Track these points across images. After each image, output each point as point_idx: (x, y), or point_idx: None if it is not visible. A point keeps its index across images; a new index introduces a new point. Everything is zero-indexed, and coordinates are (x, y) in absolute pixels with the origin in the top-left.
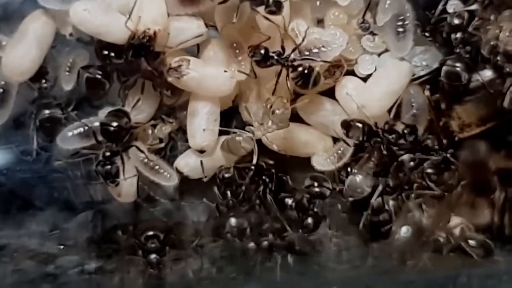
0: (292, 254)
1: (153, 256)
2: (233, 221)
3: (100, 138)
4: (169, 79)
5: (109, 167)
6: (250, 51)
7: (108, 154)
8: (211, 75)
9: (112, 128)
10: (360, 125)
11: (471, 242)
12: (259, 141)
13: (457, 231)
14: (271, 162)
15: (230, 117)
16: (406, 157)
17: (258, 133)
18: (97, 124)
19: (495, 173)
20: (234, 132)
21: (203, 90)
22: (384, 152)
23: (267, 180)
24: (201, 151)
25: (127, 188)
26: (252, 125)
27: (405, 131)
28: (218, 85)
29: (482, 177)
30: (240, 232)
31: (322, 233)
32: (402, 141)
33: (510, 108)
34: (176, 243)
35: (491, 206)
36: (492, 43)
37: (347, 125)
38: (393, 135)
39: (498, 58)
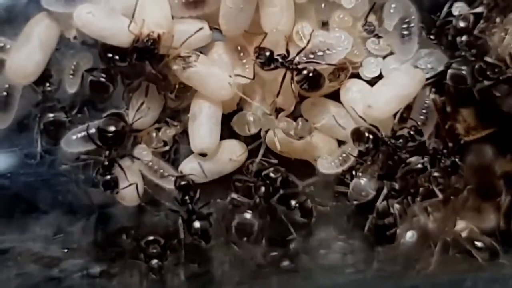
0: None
1: (154, 261)
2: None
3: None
4: (174, 66)
5: (108, 177)
6: (255, 53)
7: (106, 163)
8: (215, 75)
9: (109, 134)
10: (368, 134)
11: (478, 243)
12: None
13: (463, 234)
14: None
15: None
16: (414, 159)
17: (271, 124)
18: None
19: (501, 177)
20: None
21: (203, 88)
22: (391, 157)
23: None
24: (203, 154)
25: (131, 191)
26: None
27: (411, 132)
28: (218, 87)
29: (488, 181)
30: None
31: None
32: (409, 144)
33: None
34: (179, 246)
35: (497, 210)
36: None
37: (358, 133)
38: (400, 140)
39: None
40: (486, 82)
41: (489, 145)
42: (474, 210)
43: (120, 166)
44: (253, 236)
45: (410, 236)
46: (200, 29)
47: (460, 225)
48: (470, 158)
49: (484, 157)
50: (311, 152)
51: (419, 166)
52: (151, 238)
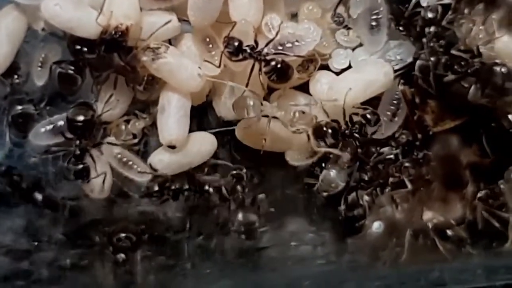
0: None
1: (122, 254)
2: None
3: (68, 135)
4: (144, 58)
5: (79, 166)
6: (224, 42)
7: (78, 153)
8: (185, 66)
9: (78, 123)
10: (327, 129)
11: (448, 232)
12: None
13: (431, 224)
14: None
15: (205, 112)
16: (386, 149)
17: (270, 110)
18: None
19: (467, 167)
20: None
21: (173, 79)
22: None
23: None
24: (171, 146)
25: (99, 184)
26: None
27: (367, 115)
28: (188, 78)
29: (453, 172)
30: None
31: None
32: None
33: (473, 100)
34: (150, 240)
35: (463, 200)
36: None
37: (318, 130)
38: (356, 126)
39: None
40: (452, 76)
41: (454, 136)
42: (441, 200)
43: (91, 156)
44: None
45: (377, 226)
46: (168, 21)
47: (427, 215)
48: (436, 148)
49: (450, 147)
50: (281, 144)
51: (391, 156)
52: (120, 231)
